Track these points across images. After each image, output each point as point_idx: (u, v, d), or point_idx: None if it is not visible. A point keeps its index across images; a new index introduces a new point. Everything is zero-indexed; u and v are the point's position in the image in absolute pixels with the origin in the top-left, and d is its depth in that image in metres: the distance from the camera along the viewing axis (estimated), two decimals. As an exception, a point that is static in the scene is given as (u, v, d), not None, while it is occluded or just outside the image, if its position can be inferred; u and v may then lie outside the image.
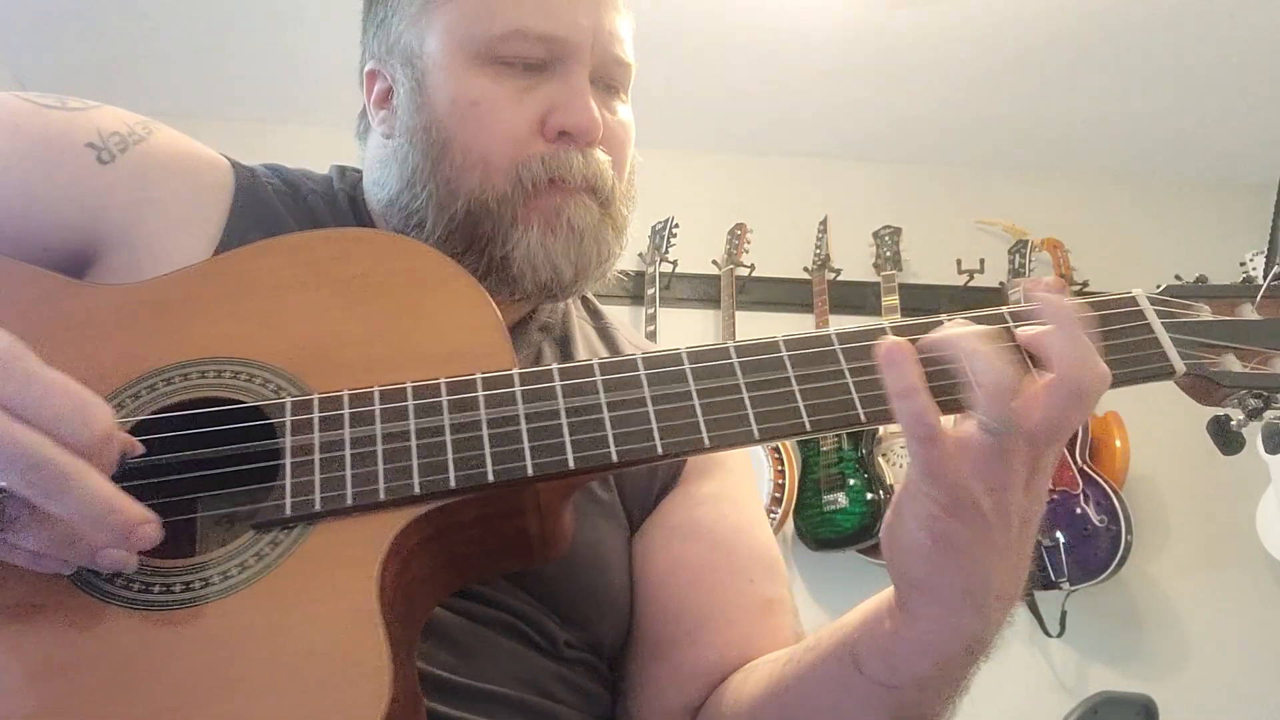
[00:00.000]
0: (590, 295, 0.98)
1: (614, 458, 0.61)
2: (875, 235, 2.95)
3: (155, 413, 0.62)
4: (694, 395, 0.62)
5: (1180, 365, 0.67)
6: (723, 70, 2.79)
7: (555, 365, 0.63)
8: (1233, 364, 0.68)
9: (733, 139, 3.08)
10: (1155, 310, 0.68)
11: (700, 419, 0.61)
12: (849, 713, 0.67)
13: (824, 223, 2.96)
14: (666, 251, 2.84)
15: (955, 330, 0.60)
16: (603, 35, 0.82)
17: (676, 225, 2.86)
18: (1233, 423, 0.69)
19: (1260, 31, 2.59)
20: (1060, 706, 2.25)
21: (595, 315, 0.98)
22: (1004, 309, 0.65)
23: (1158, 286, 0.71)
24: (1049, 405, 0.57)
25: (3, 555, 0.54)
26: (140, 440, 0.58)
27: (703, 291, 2.93)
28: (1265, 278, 0.72)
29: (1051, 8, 2.54)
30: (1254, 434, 2.73)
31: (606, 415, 0.61)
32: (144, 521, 0.55)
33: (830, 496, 2.59)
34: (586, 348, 0.92)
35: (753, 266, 2.87)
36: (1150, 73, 2.75)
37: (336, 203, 0.88)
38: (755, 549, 0.86)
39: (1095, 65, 2.74)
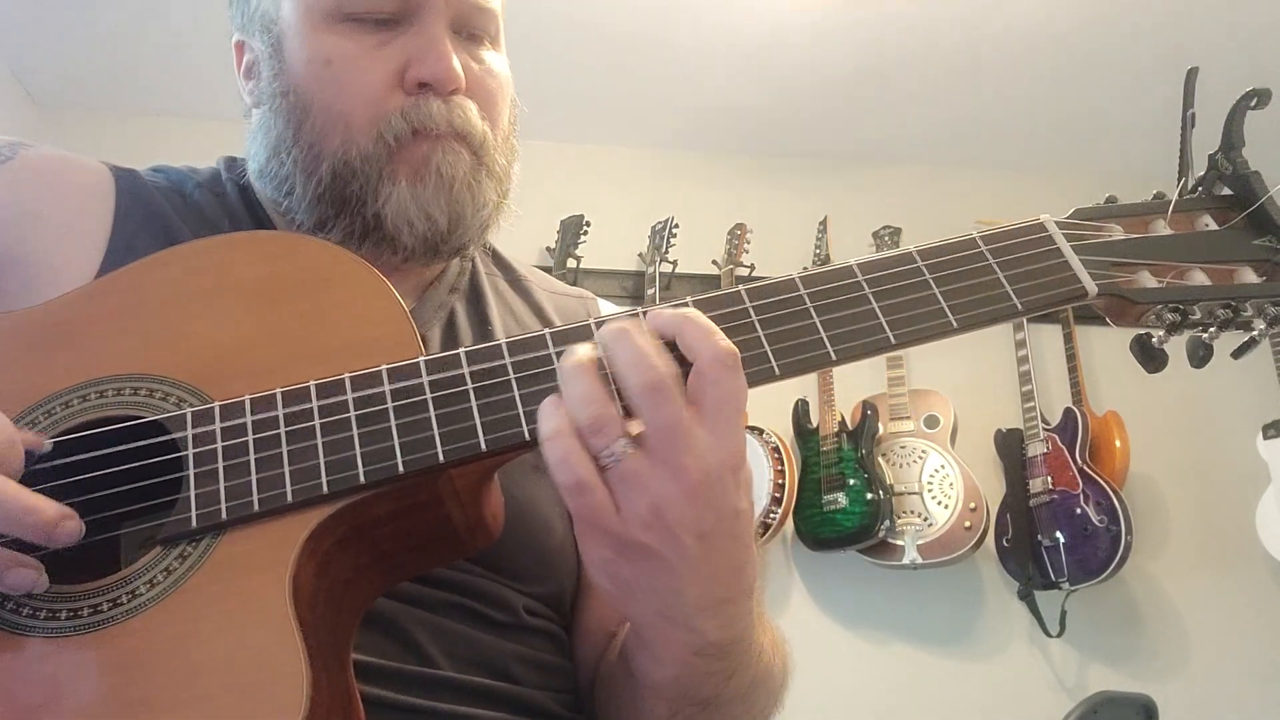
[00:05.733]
0: (499, 250, 0.97)
1: (526, 436, 0.59)
2: (875, 235, 2.95)
3: (54, 437, 0.60)
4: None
5: (1092, 286, 0.66)
6: (723, 72, 2.79)
7: (462, 349, 0.62)
8: (1147, 280, 0.68)
9: (733, 139, 3.08)
10: (1064, 234, 0.68)
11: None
12: (638, 706, 0.70)
13: (824, 223, 2.96)
14: (666, 251, 2.84)
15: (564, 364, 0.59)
16: None
17: (676, 225, 2.86)
18: (1153, 340, 0.68)
19: (1261, 33, 2.59)
20: (1060, 706, 2.24)
21: (506, 269, 0.96)
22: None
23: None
24: (640, 411, 0.56)
25: None
26: (45, 466, 0.57)
27: (702, 292, 2.92)
28: (1176, 192, 0.71)
29: (1052, 8, 2.55)
30: (1252, 431, 2.69)
31: (517, 394, 0.60)
32: (63, 517, 0.54)
33: (830, 496, 2.59)
34: (499, 302, 0.91)
35: (753, 266, 2.87)
36: (1150, 73, 2.75)
37: (225, 194, 0.86)
38: None
39: (1096, 65, 2.75)
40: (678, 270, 2.88)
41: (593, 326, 0.62)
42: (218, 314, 0.65)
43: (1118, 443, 2.72)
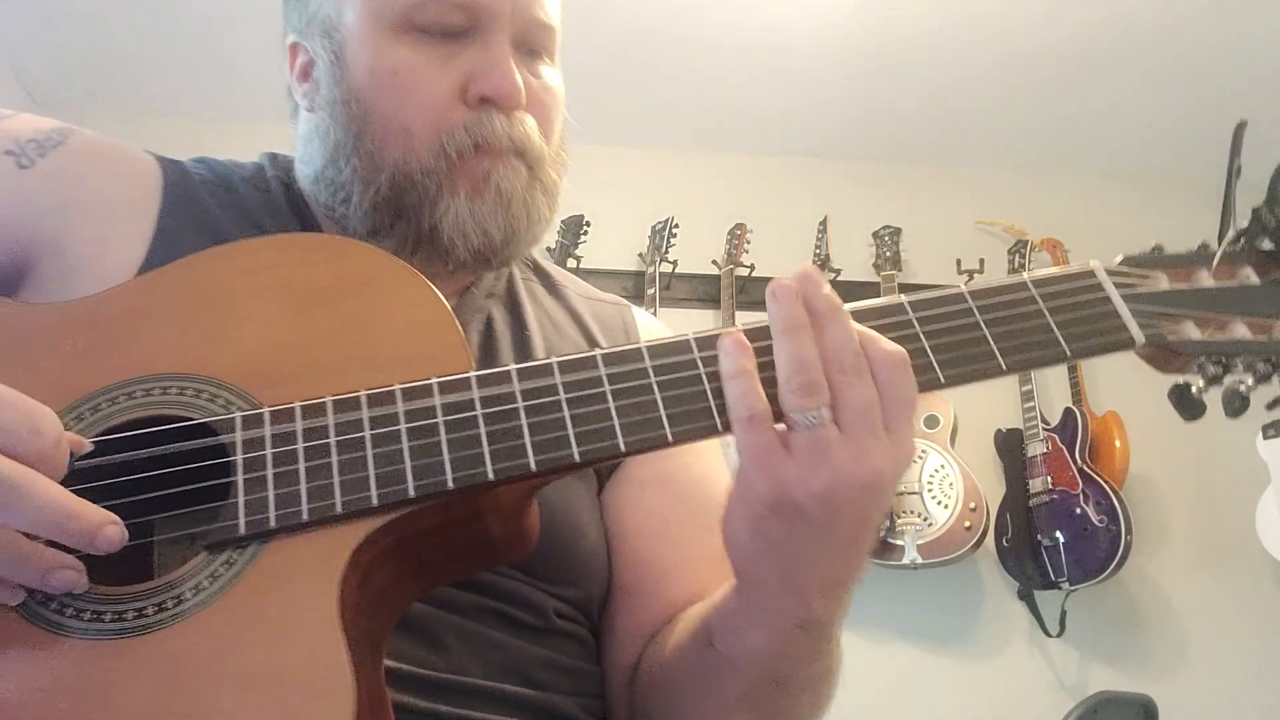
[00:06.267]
0: (536, 256, 0.97)
1: (576, 458, 0.59)
2: (875, 235, 2.95)
3: (101, 434, 0.59)
4: (655, 389, 0.61)
5: (1140, 336, 0.67)
6: (722, 71, 2.79)
7: (513, 366, 0.61)
8: (1191, 331, 0.68)
9: (733, 139, 3.08)
10: (1113, 282, 0.69)
11: (663, 414, 0.60)
12: (708, 685, 0.69)
13: (824, 223, 2.97)
14: (666, 251, 2.84)
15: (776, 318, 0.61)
16: None
17: (676, 225, 2.86)
18: (1193, 389, 0.69)
19: (1259, 32, 2.59)
20: (1060, 706, 2.24)
21: (541, 274, 0.96)
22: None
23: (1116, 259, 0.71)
24: (841, 389, 0.58)
25: None
26: (88, 464, 0.56)
27: (703, 292, 2.93)
28: (1220, 244, 0.72)
29: (1052, 8, 2.55)
30: (1252, 431, 2.69)
31: (567, 414, 0.60)
32: (106, 523, 0.53)
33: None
34: (536, 308, 0.90)
35: (753, 266, 2.87)
36: (1150, 73, 2.75)
37: (269, 190, 0.86)
38: (717, 496, 0.87)
39: (1095, 65, 2.75)
40: (678, 270, 2.88)
41: (644, 350, 0.62)
42: (266, 315, 0.64)
43: (1117, 443, 2.72)
